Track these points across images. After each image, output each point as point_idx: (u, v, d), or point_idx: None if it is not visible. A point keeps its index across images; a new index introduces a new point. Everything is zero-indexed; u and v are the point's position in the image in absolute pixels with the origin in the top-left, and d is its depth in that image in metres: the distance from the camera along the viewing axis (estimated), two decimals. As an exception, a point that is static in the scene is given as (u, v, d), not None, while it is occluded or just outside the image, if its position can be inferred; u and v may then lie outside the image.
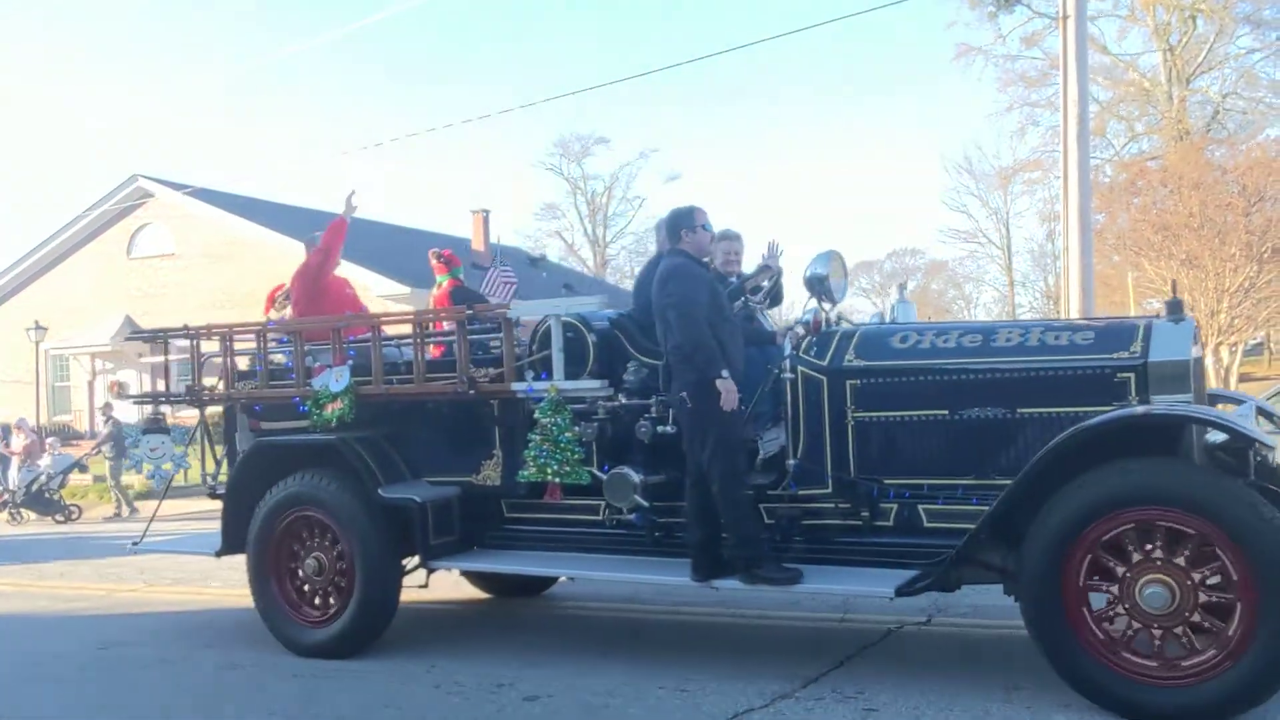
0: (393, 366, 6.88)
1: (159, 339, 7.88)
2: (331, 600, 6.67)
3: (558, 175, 66.05)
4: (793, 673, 5.74)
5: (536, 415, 6.16)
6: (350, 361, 6.86)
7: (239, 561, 7.20)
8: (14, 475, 17.78)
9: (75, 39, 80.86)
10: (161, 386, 7.91)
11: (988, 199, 55.18)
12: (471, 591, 8.77)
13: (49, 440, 21.18)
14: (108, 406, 19.50)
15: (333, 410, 6.71)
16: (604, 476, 6.00)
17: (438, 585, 8.99)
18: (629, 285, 65.35)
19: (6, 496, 17.51)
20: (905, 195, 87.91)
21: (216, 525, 7.34)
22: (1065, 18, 13.86)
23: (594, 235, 67.04)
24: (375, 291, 28.40)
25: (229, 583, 9.50)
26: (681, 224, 5.95)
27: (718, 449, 5.57)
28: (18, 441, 19.02)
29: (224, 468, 7.67)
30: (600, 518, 6.28)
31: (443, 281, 8.70)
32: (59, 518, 17.11)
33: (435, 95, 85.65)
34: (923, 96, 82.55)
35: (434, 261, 8.94)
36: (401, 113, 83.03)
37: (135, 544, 7.88)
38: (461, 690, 5.85)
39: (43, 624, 8.73)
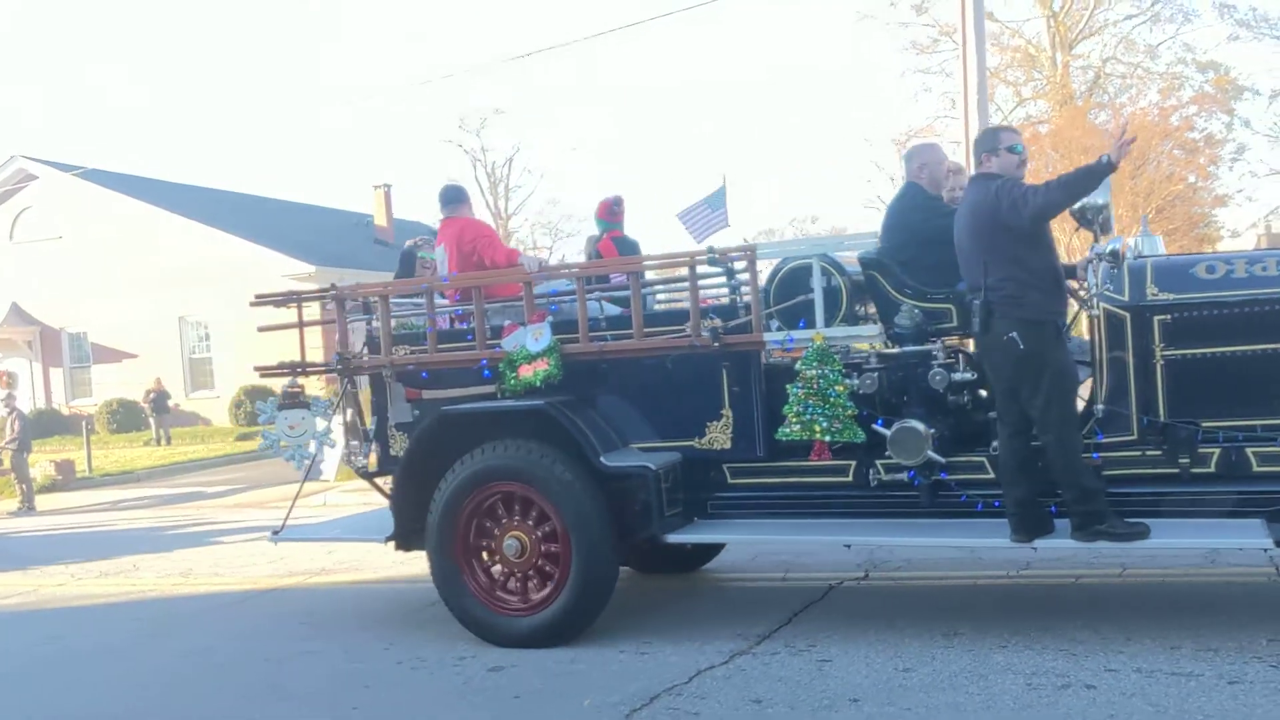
0: (592, 322, 6.24)
1: (293, 302, 7.29)
2: (534, 584, 6.07)
3: (458, 149, 65.31)
4: (746, 631, 6.02)
5: (799, 367, 5.62)
6: (550, 318, 6.30)
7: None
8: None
9: (-65, 10, 76.31)
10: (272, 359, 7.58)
11: (883, 166, 56.48)
12: (403, 570, 8.86)
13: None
14: (10, 397, 18.78)
15: (533, 373, 6.07)
16: (886, 432, 5.53)
17: (370, 563, 9.11)
18: (533, 254, 65.30)
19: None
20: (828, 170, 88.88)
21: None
22: (962, -12, 14.32)
23: (496, 208, 66.51)
24: (280, 270, 27.80)
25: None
26: (987, 146, 5.49)
27: (1053, 393, 5.11)
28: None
29: (370, 444, 7.04)
30: (849, 479, 5.78)
31: (602, 232, 8.08)
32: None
33: (335, 68, 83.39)
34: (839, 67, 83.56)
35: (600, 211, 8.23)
36: (301, 86, 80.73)
37: (276, 533, 7.13)
38: (425, 665, 5.98)
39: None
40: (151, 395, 26.90)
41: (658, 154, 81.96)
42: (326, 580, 8.83)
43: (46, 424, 28.32)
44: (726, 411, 5.93)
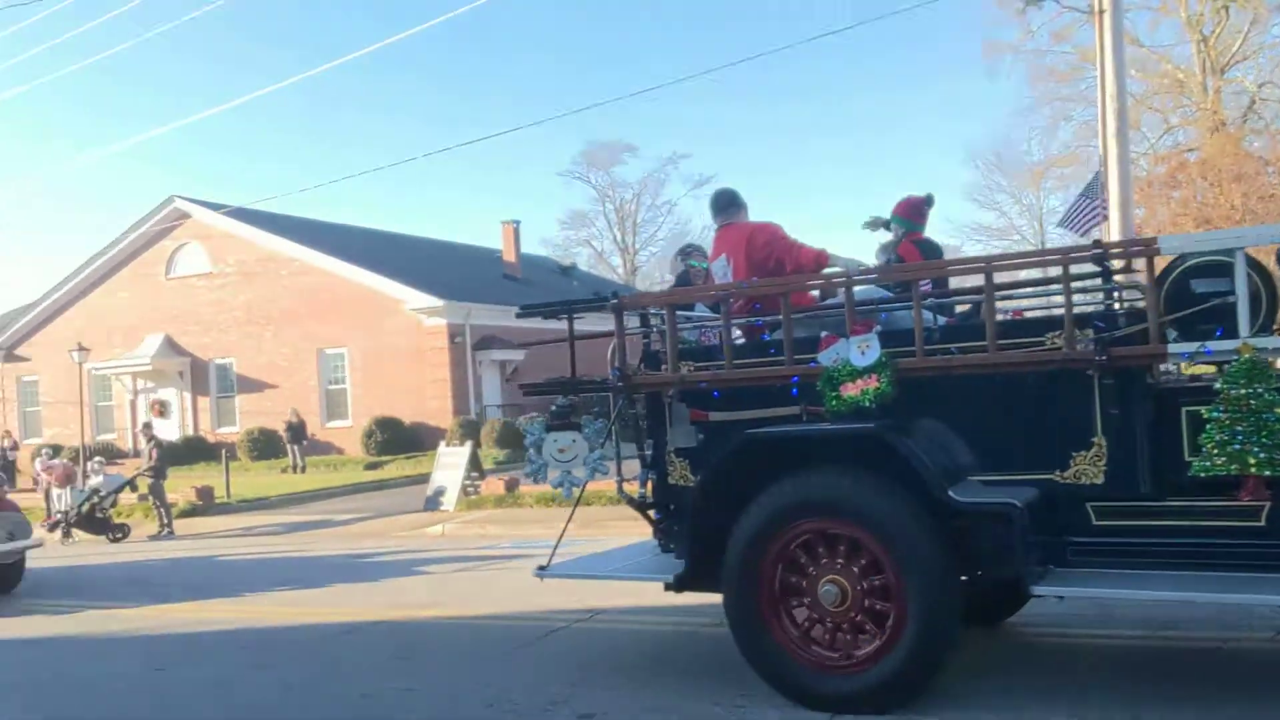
0: (911, 334, 5.35)
1: (564, 313, 6.63)
2: (855, 638, 5.21)
3: (584, 184, 66.45)
4: (1066, 694, 5.34)
5: (1221, 386, 4.66)
6: (878, 328, 5.50)
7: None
8: (65, 497, 17.99)
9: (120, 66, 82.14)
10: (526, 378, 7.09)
11: (1020, 195, 54.73)
12: (502, 607, 8.77)
13: (94, 460, 21.43)
14: (148, 426, 19.68)
15: (861, 391, 5.26)
16: None
17: (475, 598, 9.06)
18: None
19: (58, 517, 17.71)
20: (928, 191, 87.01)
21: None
22: (1100, 12, 13.70)
23: (623, 242, 67.24)
24: (410, 305, 28.59)
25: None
26: None
27: None
28: (45, 479, 19.31)
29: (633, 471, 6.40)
30: (1261, 523, 4.76)
31: (901, 233, 7.11)
32: (116, 536, 17.29)
33: (461, 109, 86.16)
34: (940, 95, 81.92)
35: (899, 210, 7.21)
36: (428, 127, 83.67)
37: (542, 569, 6.43)
38: (515, 709, 5.83)
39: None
40: (289, 425, 27.92)
41: (783, 189, 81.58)
42: (432, 614, 8.81)
43: (194, 450, 29.69)
44: (1099, 439, 4.98)
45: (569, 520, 6.74)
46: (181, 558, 14.50)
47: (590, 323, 7.00)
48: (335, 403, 30.60)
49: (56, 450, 22.68)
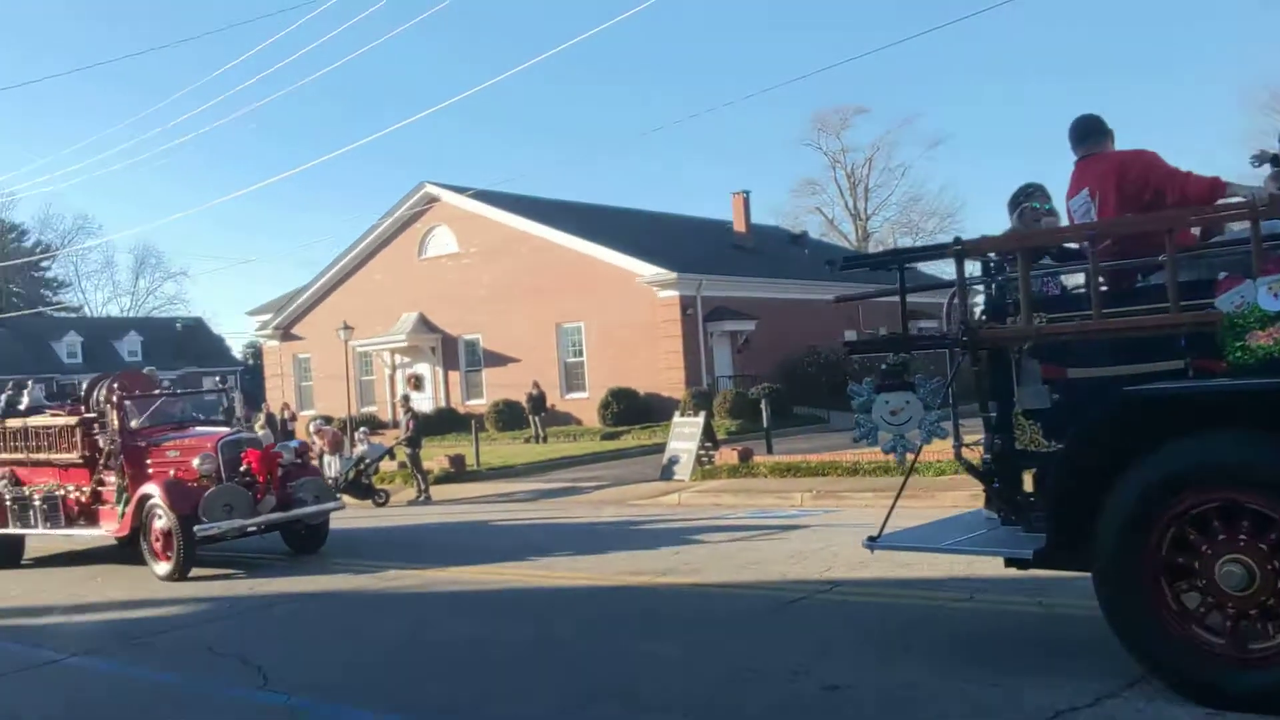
0: None
1: (894, 264, 6.08)
2: (1263, 627, 4.53)
3: (814, 150, 65.32)
4: (1115, 669, 5.27)
5: None
6: None
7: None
8: (334, 464, 19.52)
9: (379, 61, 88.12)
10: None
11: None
12: (742, 576, 8.76)
13: (360, 430, 23.12)
14: (406, 399, 21.01)
15: (1272, 340, 4.56)
16: None
17: (713, 566, 9.11)
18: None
19: (330, 483, 19.23)
20: (1201, 140, 79.98)
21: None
22: None
23: (855, 208, 65.71)
24: (644, 278, 29.09)
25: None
26: None
27: None
28: (318, 443, 20.87)
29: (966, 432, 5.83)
30: None
31: None
32: (379, 500, 18.63)
33: (688, 84, 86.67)
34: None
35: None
36: (658, 103, 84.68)
37: (873, 540, 5.90)
38: (757, 675, 5.81)
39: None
40: (531, 396, 29.14)
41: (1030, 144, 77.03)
42: (671, 581, 8.94)
43: (445, 421, 31.52)
44: None
45: (901, 489, 6.21)
46: (443, 522, 15.41)
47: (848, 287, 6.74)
48: (573, 375, 31.64)
49: (328, 420, 24.59)
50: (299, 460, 12.62)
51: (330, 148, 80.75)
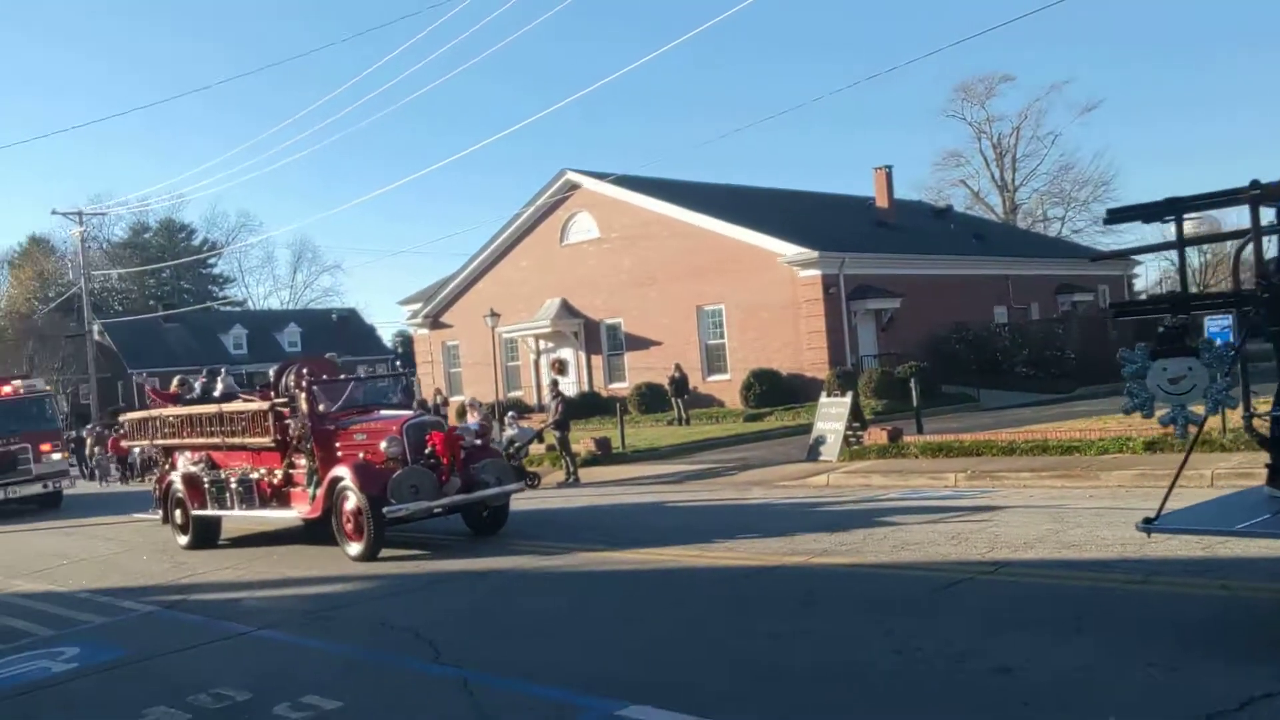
0: None
1: (1170, 215, 5.42)
2: None
3: (958, 121, 63.31)
4: None
5: None
6: None
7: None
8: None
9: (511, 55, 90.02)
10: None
11: None
12: (901, 556, 8.64)
13: (509, 414, 23.71)
14: (555, 383, 21.41)
15: None
16: None
17: (869, 547, 9.01)
18: (1041, 229, 60.58)
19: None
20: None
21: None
22: None
23: (1001, 180, 63.44)
24: (784, 257, 28.82)
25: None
26: None
27: None
28: (472, 418, 21.42)
29: None
30: None
31: None
32: (531, 483, 19.06)
33: (825, 62, 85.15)
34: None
35: None
36: (796, 77, 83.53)
37: (1149, 523, 5.41)
38: (924, 658, 5.75)
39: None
40: (672, 379, 29.28)
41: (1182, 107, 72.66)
42: (827, 561, 8.89)
43: (589, 405, 31.99)
44: None
45: (1182, 466, 5.67)
46: (605, 504, 15.68)
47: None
48: (714, 357, 31.63)
49: (476, 402, 25.23)
50: (480, 442, 12.68)
51: (475, 138, 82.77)
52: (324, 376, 13.31)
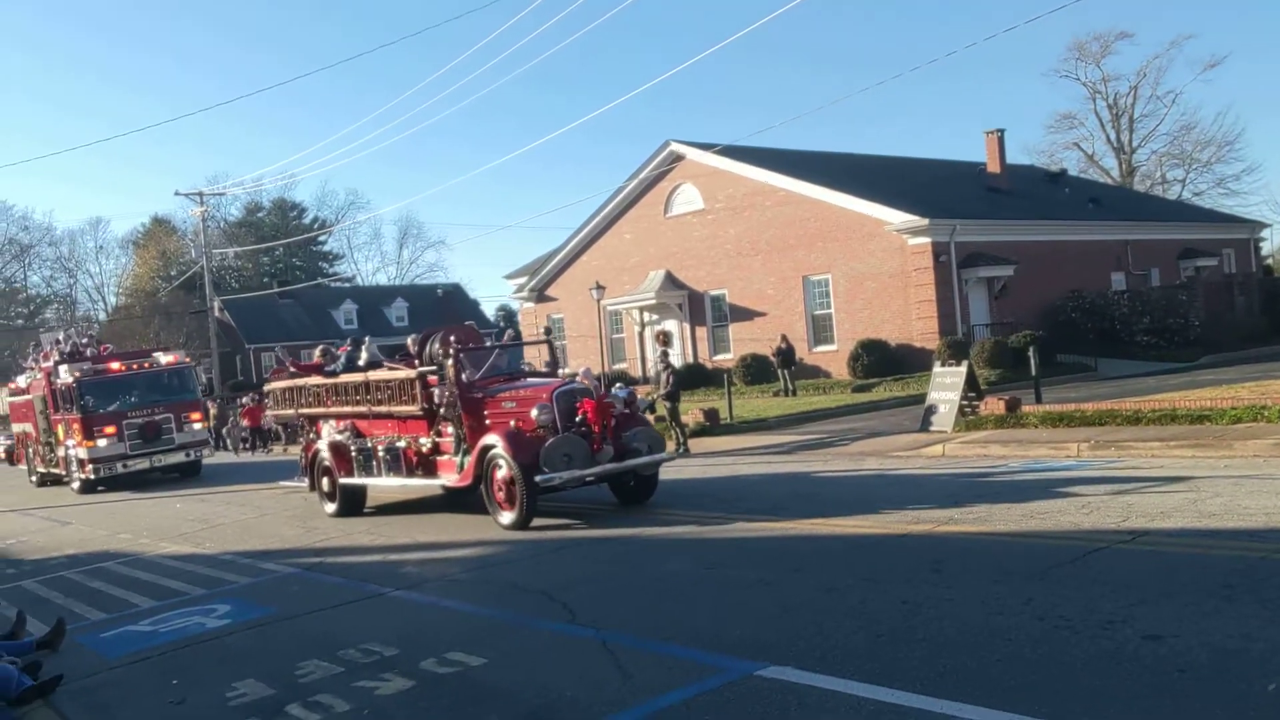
0: None
1: None
2: None
3: (1072, 81, 61.12)
4: None
5: None
6: None
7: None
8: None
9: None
10: None
11: None
12: (1031, 525, 8.50)
13: (616, 385, 23.91)
14: (664, 354, 21.52)
15: None
16: None
17: (998, 515, 8.89)
18: (1160, 192, 58.25)
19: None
20: None
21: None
22: None
23: (1118, 141, 61.09)
24: (892, 225, 28.35)
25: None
26: None
27: None
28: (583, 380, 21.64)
29: None
30: None
31: None
32: (681, 451, 19.20)
33: (930, 24, 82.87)
34: None
35: None
36: (902, 47, 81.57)
37: None
38: (1069, 625, 5.68)
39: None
40: (778, 350, 29.13)
41: (1324, 58, 68.62)
42: (954, 530, 8.81)
43: (694, 376, 32.06)
44: None
45: None
46: (706, 476, 15.81)
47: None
48: (821, 327, 31.35)
49: (590, 373, 25.51)
50: (628, 410, 12.26)
51: (580, 110, 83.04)
52: (470, 344, 13.22)
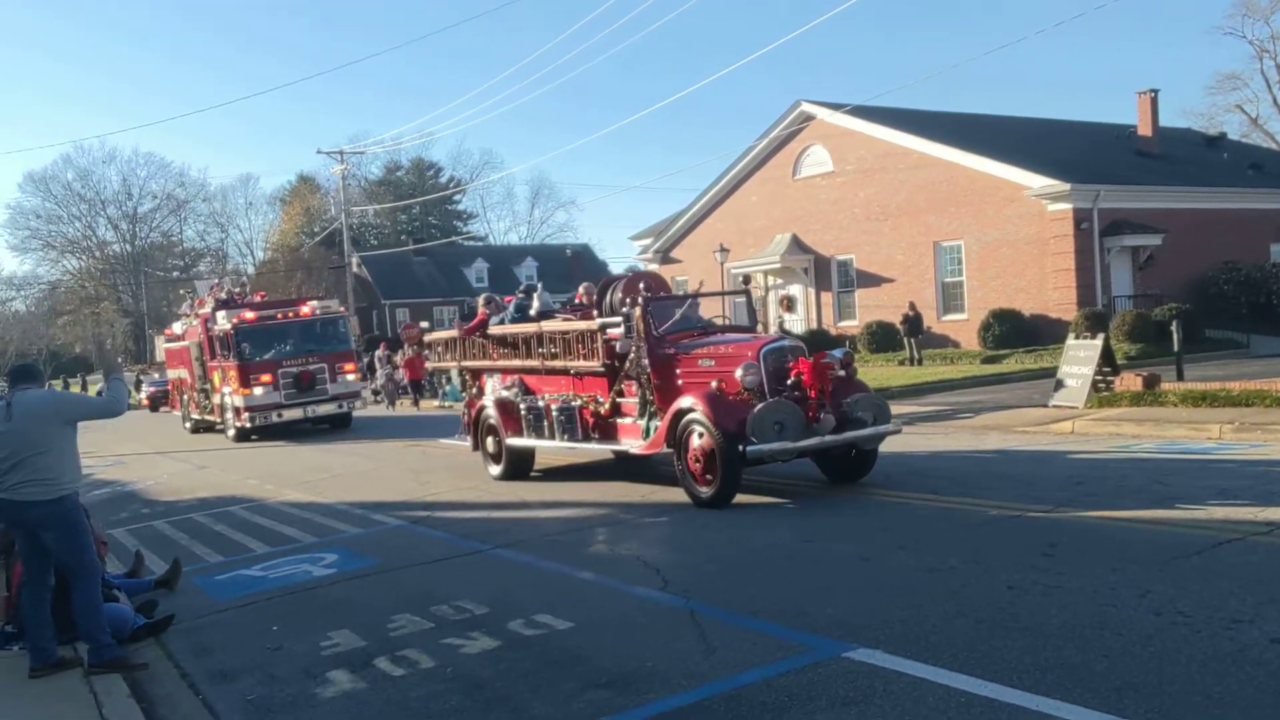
0: None
1: None
2: None
3: (1238, 39, 57.22)
4: None
5: None
6: None
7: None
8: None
9: None
10: None
11: None
12: (1178, 512, 7.95)
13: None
14: (781, 321, 21.13)
15: None
16: None
17: (1122, 502, 8.35)
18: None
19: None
20: None
21: None
22: None
23: (1288, 104, 56.95)
24: (1032, 190, 27.10)
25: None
26: None
27: None
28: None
29: None
30: None
31: None
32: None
33: (1084, -28, 78.56)
34: None
35: None
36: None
37: None
38: (1188, 622, 5.27)
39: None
40: (906, 318, 28.32)
41: None
42: (1072, 514, 8.33)
43: (818, 343, 31.41)
44: None
45: None
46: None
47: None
48: (951, 295, 30.32)
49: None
50: (844, 373, 10.46)
51: (710, 68, 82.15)
52: (662, 293, 11.91)
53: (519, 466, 12.95)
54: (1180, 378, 17.32)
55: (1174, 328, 18.66)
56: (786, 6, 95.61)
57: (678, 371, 10.69)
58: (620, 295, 11.45)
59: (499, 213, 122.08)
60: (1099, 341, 16.95)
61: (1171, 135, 36.85)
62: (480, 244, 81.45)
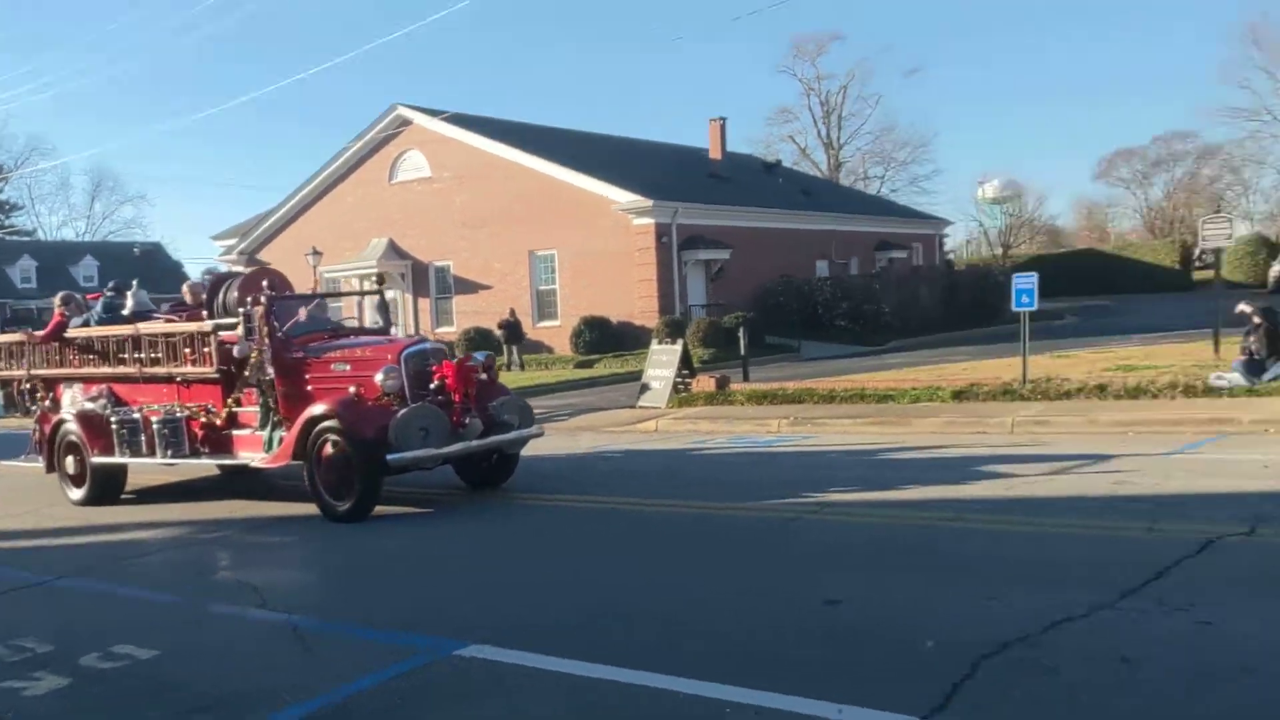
0: None
1: None
2: None
3: (790, 77, 64.82)
4: (1106, 582, 5.46)
5: None
6: None
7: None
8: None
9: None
10: None
11: (1277, 72, 49.63)
12: (750, 497, 8.88)
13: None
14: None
15: None
16: None
17: (710, 492, 9.17)
18: (862, 187, 62.79)
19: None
20: (1173, 72, 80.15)
21: None
22: None
23: (828, 137, 65.43)
24: (618, 205, 28.84)
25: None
26: None
27: None
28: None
29: None
30: None
31: None
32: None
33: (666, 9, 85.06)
34: (1192, -37, 74.32)
35: None
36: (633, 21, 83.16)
37: None
38: (762, 592, 5.92)
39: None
40: (505, 324, 28.96)
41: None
42: (661, 505, 9.01)
43: (416, 348, 31.32)
44: None
45: None
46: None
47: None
48: (546, 303, 31.50)
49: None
50: (486, 376, 10.30)
51: (297, 67, 78.83)
52: (287, 292, 11.10)
53: (107, 488, 11.45)
54: (746, 379, 19.29)
55: (741, 334, 20.77)
56: (381, 9, 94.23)
57: (308, 377, 9.98)
58: (237, 294, 10.64)
59: (51, 205, 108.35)
60: (679, 347, 18.45)
61: (738, 160, 40.93)
62: (27, 239, 71.96)
